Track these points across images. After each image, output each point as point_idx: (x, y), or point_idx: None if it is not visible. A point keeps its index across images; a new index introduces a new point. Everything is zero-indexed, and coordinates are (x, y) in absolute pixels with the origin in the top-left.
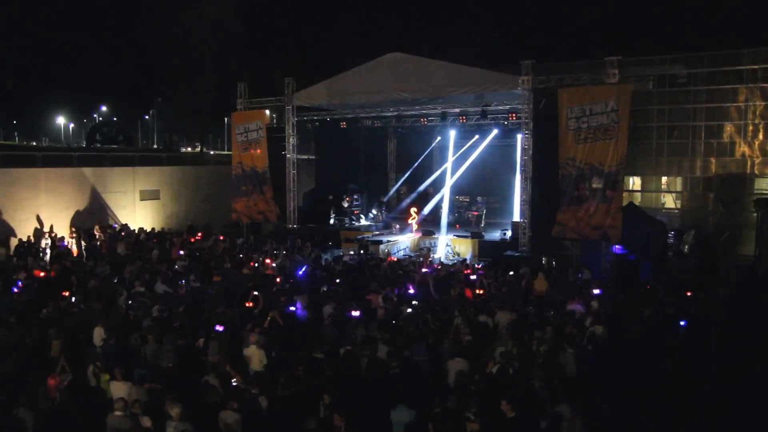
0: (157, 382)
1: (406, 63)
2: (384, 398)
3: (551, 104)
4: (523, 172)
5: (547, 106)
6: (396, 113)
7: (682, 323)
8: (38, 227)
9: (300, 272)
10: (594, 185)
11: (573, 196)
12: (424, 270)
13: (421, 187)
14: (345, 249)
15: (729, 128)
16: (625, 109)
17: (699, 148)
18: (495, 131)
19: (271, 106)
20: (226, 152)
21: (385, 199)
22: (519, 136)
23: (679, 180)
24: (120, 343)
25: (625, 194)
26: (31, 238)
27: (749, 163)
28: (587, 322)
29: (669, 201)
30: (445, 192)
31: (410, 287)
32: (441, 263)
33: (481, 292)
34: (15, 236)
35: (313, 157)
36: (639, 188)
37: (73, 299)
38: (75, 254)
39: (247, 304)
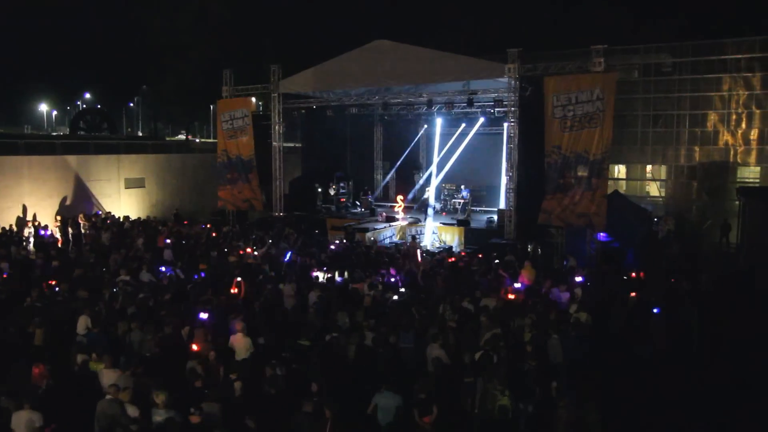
0: (142, 369)
1: (392, 51)
2: (371, 384)
3: (537, 92)
4: (509, 160)
5: (533, 94)
6: (382, 101)
7: (655, 310)
8: (21, 216)
9: (285, 259)
10: (579, 173)
11: (558, 183)
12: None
13: (408, 175)
14: (332, 236)
15: (713, 117)
16: (611, 97)
17: (683, 137)
18: (481, 119)
19: (257, 93)
20: (212, 140)
21: (371, 188)
22: (505, 125)
23: (663, 168)
24: (105, 332)
25: (610, 182)
26: (14, 226)
27: (732, 152)
28: (572, 308)
29: (653, 189)
30: (432, 180)
31: (393, 274)
32: (426, 251)
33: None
34: None
35: (300, 145)
36: (624, 176)
37: (58, 288)
38: (60, 243)
39: (232, 290)
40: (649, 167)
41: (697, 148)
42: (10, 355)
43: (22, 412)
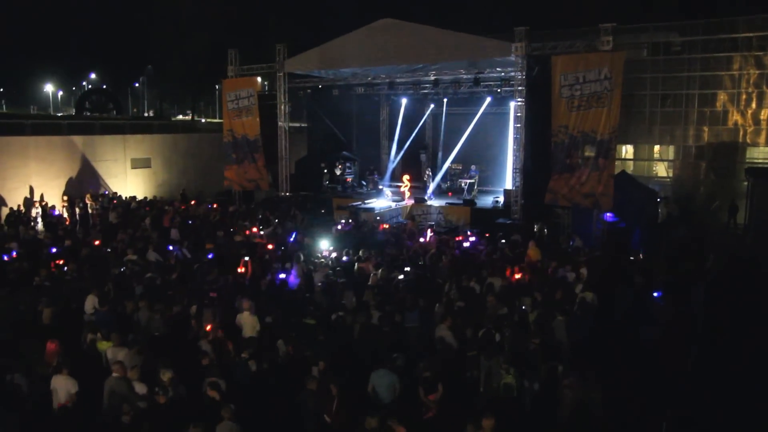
0: (150, 348)
1: (398, 29)
2: (376, 363)
3: (544, 72)
4: (515, 139)
5: (540, 73)
6: (388, 80)
7: (656, 294)
8: (28, 196)
9: (291, 239)
10: (586, 153)
11: (565, 164)
12: (422, 240)
13: (414, 155)
14: (338, 216)
15: (722, 97)
16: (619, 76)
17: (692, 117)
18: (488, 99)
19: (263, 73)
20: (217, 120)
21: (377, 168)
22: (512, 104)
23: (671, 148)
24: (113, 311)
25: (617, 162)
26: (21, 207)
27: (742, 132)
28: (577, 288)
29: (661, 169)
30: (438, 160)
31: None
32: (433, 231)
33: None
34: (5, 205)
35: (305, 125)
36: (631, 156)
37: (66, 268)
38: (67, 223)
39: (239, 270)
40: (656, 147)
41: (705, 128)
42: (21, 334)
43: (60, 377)
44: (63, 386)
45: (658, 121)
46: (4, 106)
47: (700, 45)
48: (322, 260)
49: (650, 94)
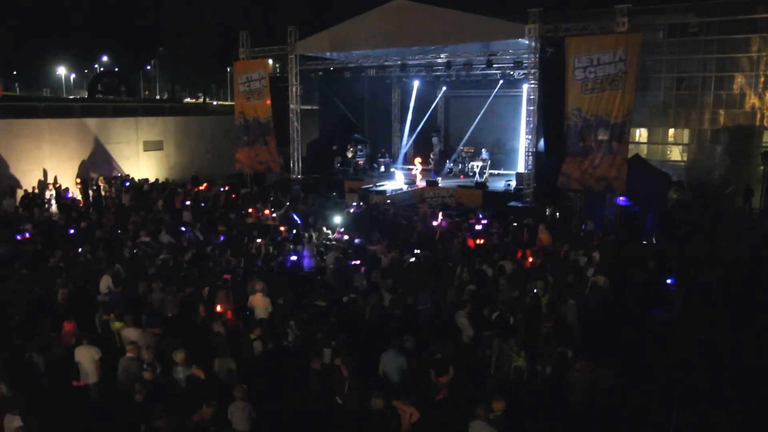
0: (163, 329)
1: (411, 11)
2: (386, 345)
3: (558, 54)
4: (528, 122)
5: (553, 55)
6: (400, 63)
7: (669, 281)
8: (42, 179)
9: (299, 221)
10: (600, 137)
11: (578, 147)
12: (435, 223)
13: (426, 138)
14: (349, 199)
15: (740, 79)
16: (634, 59)
17: (708, 100)
18: (501, 81)
19: (274, 55)
20: (229, 102)
21: (389, 150)
22: (525, 86)
23: (686, 132)
24: (126, 292)
25: (631, 146)
26: (36, 189)
27: (759, 116)
28: (589, 272)
29: (675, 153)
30: (450, 142)
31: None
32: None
33: (482, 241)
34: (20, 187)
35: (317, 107)
36: (645, 140)
37: (80, 249)
38: (81, 205)
39: (251, 252)
40: (671, 131)
41: (721, 112)
42: (37, 314)
43: (82, 348)
44: (87, 355)
45: (673, 104)
46: (17, 89)
47: (718, 26)
48: (334, 242)
49: (665, 76)
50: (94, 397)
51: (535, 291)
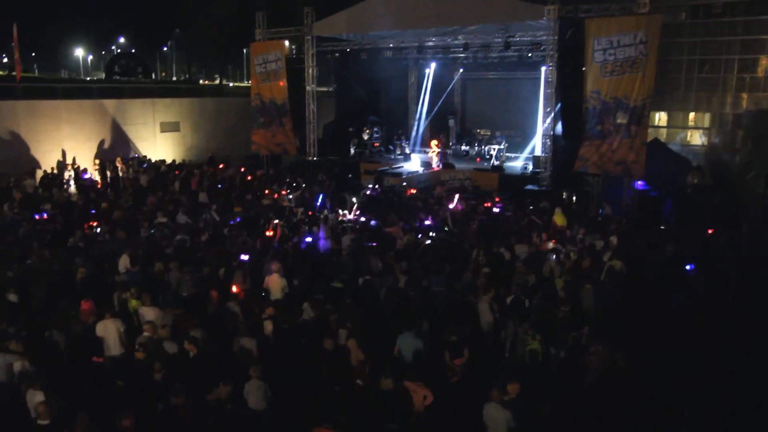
0: (180, 308)
1: None
2: (401, 327)
3: (577, 35)
4: (546, 105)
5: (573, 37)
6: (417, 44)
7: (688, 267)
8: (61, 159)
9: (318, 203)
10: (618, 120)
11: (596, 130)
12: (450, 205)
13: (443, 120)
14: (365, 181)
15: (765, 62)
16: (655, 41)
17: (731, 83)
18: (519, 64)
19: (291, 36)
20: (245, 84)
21: (405, 132)
22: (543, 69)
23: (707, 116)
24: (144, 272)
25: (650, 130)
26: (55, 169)
27: None
28: (606, 256)
29: (695, 138)
30: (467, 125)
31: (427, 219)
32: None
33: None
34: (40, 168)
35: (333, 89)
36: (665, 124)
37: (98, 229)
38: (99, 185)
39: (267, 233)
40: (691, 115)
41: (744, 95)
42: (57, 293)
43: (105, 321)
44: (112, 328)
45: (694, 87)
46: (36, 71)
47: (743, 7)
48: (350, 224)
49: (687, 59)
50: (116, 370)
51: (550, 274)
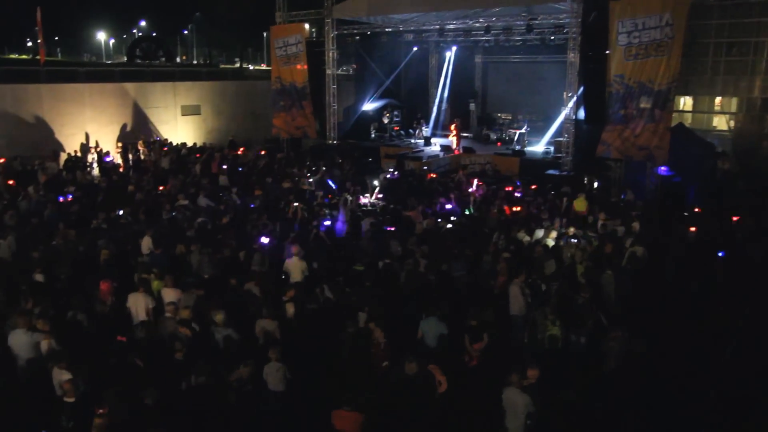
0: (201, 290)
1: None
2: (420, 310)
3: (601, 18)
4: (569, 89)
5: (596, 19)
6: (438, 27)
7: (720, 254)
8: (84, 142)
9: (335, 186)
10: (642, 105)
11: (619, 115)
12: (470, 189)
13: (463, 104)
14: (385, 165)
15: None
16: (682, 23)
17: (760, 66)
18: (541, 47)
19: (311, 19)
20: (265, 67)
21: (425, 116)
22: (570, 52)
23: (734, 101)
24: (166, 253)
25: (675, 114)
26: (78, 152)
27: None
28: (628, 243)
29: (721, 123)
30: (487, 109)
31: (447, 203)
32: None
33: (519, 209)
34: (63, 150)
35: (353, 72)
36: (690, 108)
37: (121, 212)
38: (122, 168)
39: (287, 216)
40: (718, 99)
41: None
42: (82, 273)
43: (139, 293)
44: (142, 303)
45: (721, 71)
46: (59, 54)
47: None
48: (370, 207)
49: (715, 42)
50: (141, 337)
51: (570, 259)
